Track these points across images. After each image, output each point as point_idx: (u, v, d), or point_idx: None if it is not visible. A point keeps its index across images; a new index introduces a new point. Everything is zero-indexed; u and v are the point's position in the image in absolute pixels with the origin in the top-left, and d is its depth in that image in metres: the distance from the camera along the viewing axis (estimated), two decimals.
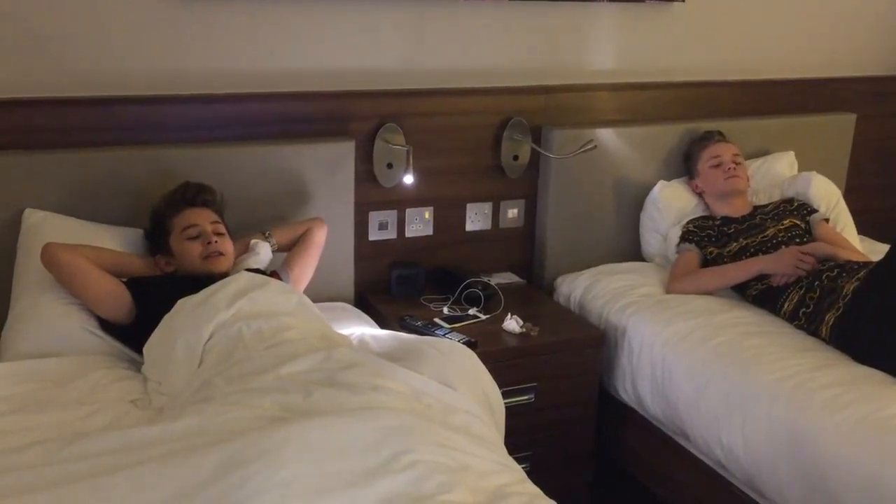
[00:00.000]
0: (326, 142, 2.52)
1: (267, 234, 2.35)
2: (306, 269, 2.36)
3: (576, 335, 2.51)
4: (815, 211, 2.82)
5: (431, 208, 2.77)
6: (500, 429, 2.04)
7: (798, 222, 2.73)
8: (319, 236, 2.38)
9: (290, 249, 2.37)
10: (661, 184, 2.90)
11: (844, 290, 2.32)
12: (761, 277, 2.53)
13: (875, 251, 2.79)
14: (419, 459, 1.52)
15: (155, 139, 2.38)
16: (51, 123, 2.29)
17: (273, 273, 2.27)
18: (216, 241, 2.13)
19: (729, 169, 2.80)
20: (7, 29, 2.23)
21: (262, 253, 2.30)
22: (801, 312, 2.39)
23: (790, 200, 2.85)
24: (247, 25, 2.45)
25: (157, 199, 2.21)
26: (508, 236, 2.91)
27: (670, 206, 2.88)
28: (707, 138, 2.90)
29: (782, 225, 2.70)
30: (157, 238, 2.19)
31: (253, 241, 2.31)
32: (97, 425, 1.71)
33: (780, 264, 2.49)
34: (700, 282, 2.62)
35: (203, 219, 2.16)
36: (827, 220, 2.81)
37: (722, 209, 2.81)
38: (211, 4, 2.40)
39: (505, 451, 1.80)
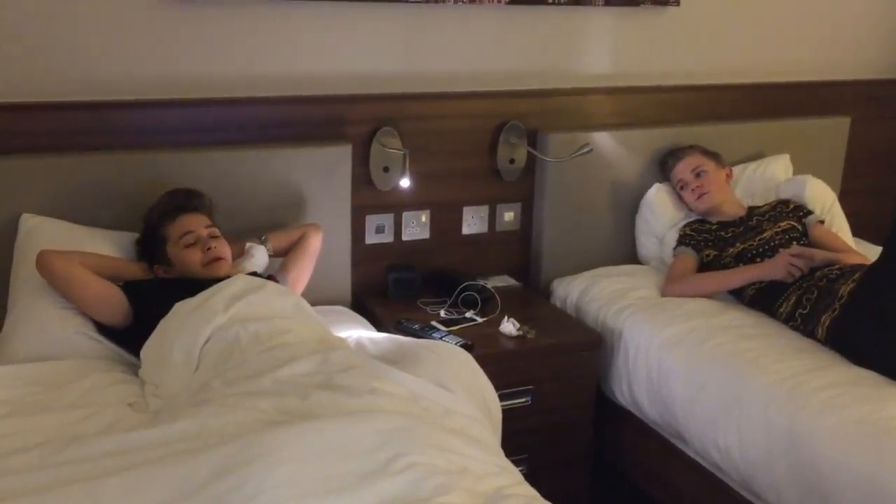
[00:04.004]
0: (323, 146, 2.52)
1: (263, 239, 2.35)
2: (302, 274, 2.37)
3: (573, 338, 2.51)
4: (810, 213, 2.82)
5: (428, 211, 2.77)
6: (496, 431, 2.04)
7: (795, 224, 2.74)
8: (315, 243, 2.39)
9: (285, 255, 2.37)
10: (656, 186, 2.91)
11: (840, 292, 2.32)
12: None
13: (869, 254, 2.79)
14: (416, 462, 1.52)
15: (151, 143, 2.38)
16: (47, 128, 2.29)
17: (270, 277, 2.27)
18: (214, 247, 2.14)
19: (694, 189, 2.79)
20: (3, 33, 2.23)
21: (258, 256, 2.30)
22: (797, 314, 2.40)
23: (786, 202, 2.86)
24: (243, 30, 2.46)
25: (147, 210, 2.20)
26: (505, 239, 2.92)
27: (665, 209, 2.89)
28: (664, 164, 2.91)
29: (779, 227, 2.71)
30: (152, 248, 2.17)
31: (248, 245, 2.31)
32: (94, 428, 1.71)
33: (774, 270, 2.49)
34: (696, 286, 2.62)
35: (197, 224, 2.16)
36: (822, 223, 2.82)
37: (715, 216, 2.81)
38: (208, 9, 2.40)
39: (502, 453, 1.80)
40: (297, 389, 1.72)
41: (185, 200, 2.20)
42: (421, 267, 2.73)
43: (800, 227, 2.74)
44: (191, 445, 1.53)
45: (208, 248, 2.13)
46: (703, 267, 2.70)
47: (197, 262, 2.12)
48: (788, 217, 2.76)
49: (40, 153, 2.26)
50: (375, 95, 2.63)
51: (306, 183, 2.49)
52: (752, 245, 2.65)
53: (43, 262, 2.04)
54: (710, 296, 2.61)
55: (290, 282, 2.32)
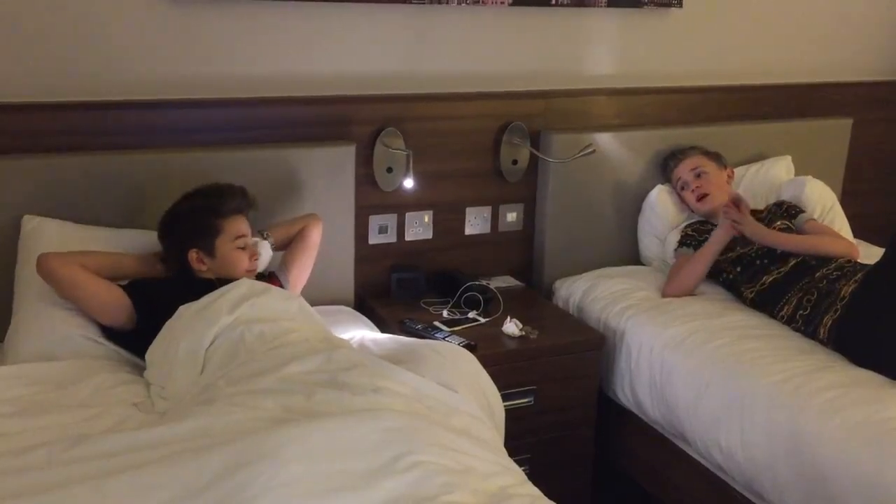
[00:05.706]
0: (327, 146, 2.53)
1: (265, 235, 2.34)
2: (304, 270, 2.36)
3: (575, 338, 2.51)
4: (801, 212, 2.82)
5: (431, 212, 2.78)
6: (500, 431, 2.05)
7: (788, 223, 2.75)
8: (315, 235, 2.37)
9: (286, 247, 2.37)
10: (658, 187, 2.91)
11: (842, 293, 2.33)
12: (758, 278, 2.54)
13: (871, 255, 2.79)
14: (421, 461, 1.52)
15: (155, 143, 2.39)
16: (50, 127, 2.29)
17: (271, 274, 2.28)
18: (255, 257, 2.18)
19: (694, 190, 2.81)
20: (6, 32, 2.24)
21: (264, 253, 2.29)
22: (798, 315, 2.40)
23: (780, 203, 2.87)
24: (248, 30, 2.46)
25: (197, 194, 2.15)
26: (507, 240, 2.92)
27: (667, 210, 2.89)
28: (665, 165, 2.93)
29: (774, 227, 2.71)
30: (197, 232, 2.12)
31: (252, 241, 2.31)
32: (101, 428, 1.71)
33: (724, 231, 2.60)
34: (683, 278, 2.63)
35: (248, 230, 2.18)
36: (814, 220, 2.81)
37: (716, 218, 2.81)
38: (212, 9, 2.41)
39: (505, 453, 1.80)
40: (302, 388, 1.73)
41: (246, 204, 2.18)
42: (424, 267, 2.74)
43: (793, 227, 2.75)
44: (197, 444, 1.54)
45: (253, 258, 2.16)
46: None
47: (243, 268, 2.14)
48: (782, 217, 2.77)
49: (42, 153, 2.26)
50: (379, 96, 2.64)
51: (310, 183, 2.50)
52: (751, 249, 2.64)
53: (43, 266, 2.03)
54: (697, 284, 2.63)
55: (292, 278, 2.32)
